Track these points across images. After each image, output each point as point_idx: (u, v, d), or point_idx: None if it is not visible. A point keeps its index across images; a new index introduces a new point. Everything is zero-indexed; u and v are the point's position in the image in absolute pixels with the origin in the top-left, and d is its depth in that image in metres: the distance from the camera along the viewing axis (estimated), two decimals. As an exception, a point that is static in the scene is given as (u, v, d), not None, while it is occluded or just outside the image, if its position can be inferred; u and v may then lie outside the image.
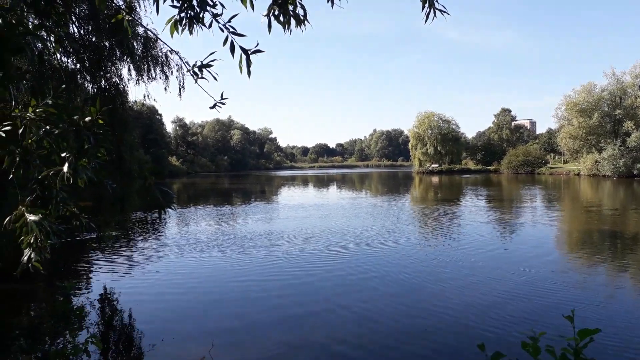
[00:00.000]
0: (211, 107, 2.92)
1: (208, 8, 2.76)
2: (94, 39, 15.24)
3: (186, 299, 12.44)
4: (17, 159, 2.48)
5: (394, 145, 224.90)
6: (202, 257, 17.44)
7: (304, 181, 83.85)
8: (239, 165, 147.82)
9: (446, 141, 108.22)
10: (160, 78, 17.06)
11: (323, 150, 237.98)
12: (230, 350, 8.93)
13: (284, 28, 3.12)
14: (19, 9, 2.24)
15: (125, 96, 17.03)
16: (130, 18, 2.83)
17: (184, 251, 18.65)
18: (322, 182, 79.56)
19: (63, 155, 2.41)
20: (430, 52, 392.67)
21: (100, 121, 2.46)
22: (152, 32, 16.67)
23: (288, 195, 51.86)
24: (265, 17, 3.05)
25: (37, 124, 2.47)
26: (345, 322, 10.29)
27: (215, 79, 2.86)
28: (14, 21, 2.06)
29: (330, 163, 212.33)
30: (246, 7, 2.87)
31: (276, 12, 3.07)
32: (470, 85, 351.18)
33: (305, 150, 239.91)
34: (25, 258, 2.57)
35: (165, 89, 17.31)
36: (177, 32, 2.85)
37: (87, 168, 2.38)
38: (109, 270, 15.71)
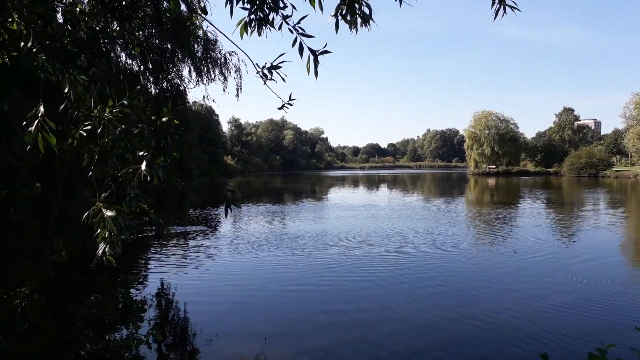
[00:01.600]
0: (279, 108, 2.96)
1: (278, 10, 2.79)
2: (157, 42, 15.86)
3: (239, 296, 12.68)
4: (96, 157, 2.62)
5: (448, 145, 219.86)
6: (255, 256, 17.75)
7: (354, 181, 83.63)
8: (290, 165, 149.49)
9: (504, 141, 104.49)
10: (219, 79, 17.55)
11: (374, 150, 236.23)
12: (282, 348, 9.03)
13: (350, 27, 3.11)
14: (102, 16, 2.37)
15: (185, 97, 17.66)
16: (201, 20, 2.91)
17: (237, 249, 19.06)
18: (372, 183, 79.04)
19: (141, 153, 2.52)
20: (487, 50, 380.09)
21: (176, 121, 2.54)
22: (211, 34, 17.21)
23: (338, 196, 51.90)
24: (333, 17, 3.05)
25: (114, 123, 2.59)
26: (397, 329, 10.14)
27: (283, 80, 2.90)
28: (97, 28, 2.18)
29: (381, 163, 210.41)
30: (314, 8, 2.88)
31: (343, 12, 3.06)
32: (530, 84, 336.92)
33: (356, 150, 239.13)
34: (100, 252, 2.70)
35: (224, 90, 17.81)
36: (247, 33, 2.91)
37: (162, 166, 2.47)
38: (165, 266, 16.31)
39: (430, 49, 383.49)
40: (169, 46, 16.33)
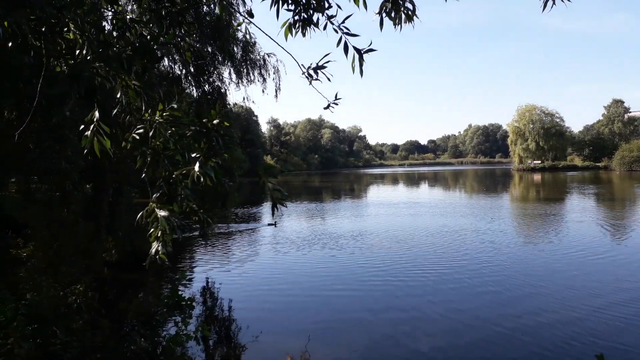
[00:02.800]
0: (325, 108, 2.97)
1: (324, 10, 2.81)
2: (197, 45, 16.22)
3: (282, 295, 12.80)
4: (148, 159, 2.71)
5: (491, 140, 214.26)
6: (297, 255, 17.87)
7: (394, 179, 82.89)
8: (328, 164, 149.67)
9: (549, 136, 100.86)
10: (258, 81, 17.80)
11: (414, 147, 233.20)
12: (326, 345, 9.07)
13: (394, 24, 3.09)
14: (153, 23, 2.46)
15: (226, 99, 17.99)
16: (240, 22, 2.96)
17: (279, 248, 19.25)
18: (412, 180, 78.11)
19: (193, 155, 2.60)
20: (530, 42, 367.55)
21: (226, 123, 2.61)
22: (250, 36, 17.47)
23: (378, 194, 51.57)
24: (377, 14, 3.04)
25: (164, 126, 2.68)
26: (442, 330, 9.99)
27: (329, 80, 2.91)
28: (147, 34, 2.26)
29: (421, 160, 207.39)
30: (358, 7, 2.88)
31: (388, 9, 3.05)
32: (576, 76, 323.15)
33: (395, 148, 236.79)
34: (153, 250, 2.80)
35: (263, 91, 18.05)
36: (292, 34, 2.94)
37: (214, 168, 2.54)
38: (209, 264, 16.68)
39: (471, 42, 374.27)
40: (209, 49, 16.67)
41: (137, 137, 2.65)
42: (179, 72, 16.95)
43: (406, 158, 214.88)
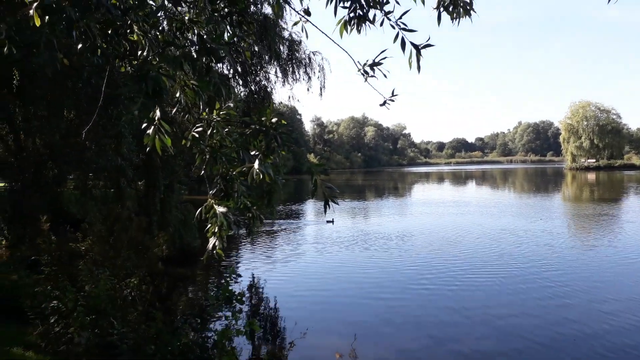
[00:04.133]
0: (381, 105, 2.94)
1: (382, 7, 2.79)
2: (243, 44, 16.45)
3: (327, 294, 12.81)
4: (207, 156, 2.78)
5: (542, 138, 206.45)
6: (342, 254, 17.86)
7: (439, 178, 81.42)
8: (372, 162, 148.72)
9: (604, 133, 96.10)
10: (303, 79, 17.93)
11: (460, 145, 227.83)
12: (372, 344, 9.03)
13: (451, 19, 3.03)
14: (214, 23, 2.51)
15: (271, 98, 18.23)
16: (305, 22, 2.97)
17: (324, 247, 19.31)
18: (459, 179, 76.44)
19: (252, 153, 2.65)
20: (584, 36, 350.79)
21: (283, 121, 2.64)
22: (296, 35, 17.59)
23: (423, 193, 50.80)
24: (435, 9, 2.99)
25: (221, 125, 2.74)
26: (491, 333, 9.73)
27: (385, 76, 2.89)
28: (204, 34, 2.32)
29: (468, 159, 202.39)
30: (415, 2, 2.84)
31: (446, 4, 2.99)
32: (633, 70, 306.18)
33: (441, 146, 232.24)
34: (210, 245, 2.87)
35: (308, 90, 18.18)
36: (347, 32, 2.93)
37: (271, 165, 2.58)
38: (255, 260, 16.94)
39: (520, 37, 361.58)
40: (256, 49, 16.91)
41: (196, 135, 2.73)
42: (227, 72, 17.30)
43: (452, 156, 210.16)
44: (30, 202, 15.56)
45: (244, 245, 19.87)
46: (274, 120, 2.62)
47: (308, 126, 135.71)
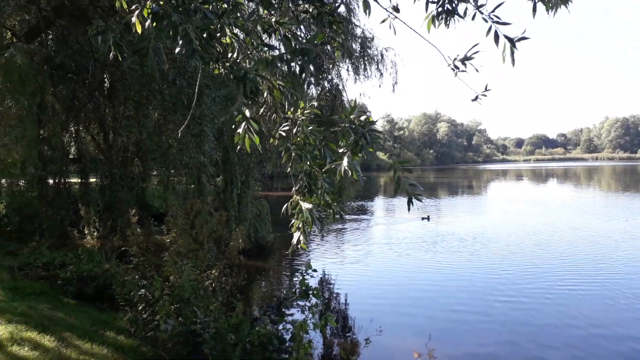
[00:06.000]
0: (473, 100, 2.88)
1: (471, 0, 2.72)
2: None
3: (398, 292, 12.66)
4: (293, 154, 2.86)
5: (632, 134, 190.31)
6: (417, 253, 17.59)
7: (517, 175, 77.66)
8: (444, 159, 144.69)
9: None
10: (375, 76, 17.84)
11: (541, 141, 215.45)
12: (447, 345, 8.83)
13: (547, 9, 2.88)
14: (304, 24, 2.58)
15: (342, 95, 18.31)
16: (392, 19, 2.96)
17: (395, 245, 19.10)
18: (539, 177, 72.49)
19: (340, 150, 2.69)
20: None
21: (371, 119, 2.65)
22: (368, 32, 17.53)
23: (501, 191, 48.70)
24: (530, 0, 2.86)
25: (305, 123, 2.80)
26: (580, 343, 9.17)
27: (477, 71, 2.82)
28: (290, 35, 2.39)
29: (549, 155, 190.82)
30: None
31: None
32: None
33: (519, 142, 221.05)
34: (295, 240, 2.96)
35: (380, 86, 18.07)
36: (434, 26, 2.89)
37: (358, 163, 2.61)
38: (326, 256, 17.10)
39: (611, 24, 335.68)
40: (328, 47, 17.01)
41: (283, 134, 2.81)
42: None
43: (532, 153, 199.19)
44: (118, 197, 16.78)
45: (315, 240, 20.13)
46: (362, 117, 2.64)
47: (378, 123, 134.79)
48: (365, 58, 17.96)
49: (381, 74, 18.10)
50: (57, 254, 11.38)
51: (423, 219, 24.89)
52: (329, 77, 17.35)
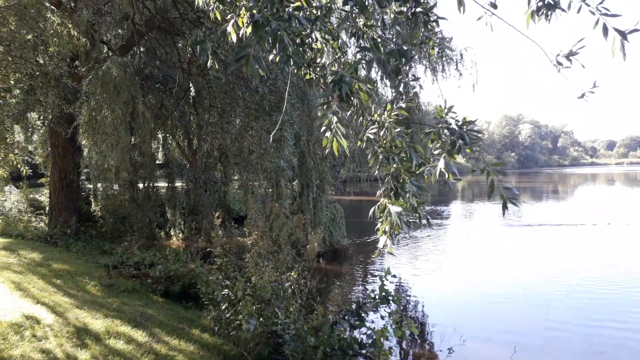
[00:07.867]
0: (579, 97, 2.71)
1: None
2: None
3: (479, 302, 12.15)
4: (380, 156, 2.85)
5: None
6: (500, 260, 16.83)
7: (609, 180, 71.92)
8: (527, 162, 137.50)
9: None
10: (454, 76, 17.39)
11: (635, 143, 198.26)
12: (533, 357, 8.35)
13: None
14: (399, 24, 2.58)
15: (419, 97, 18.02)
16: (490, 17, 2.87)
17: (473, 252, 18.40)
18: (634, 182, 66.68)
19: (435, 152, 2.65)
20: None
21: (467, 119, 2.58)
22: (447, 31, 17.10)
23: (591, 198, 45.33)
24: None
25: (392, 125, 2.78)
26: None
27: (583, 67, 2.65)
28: (377, 38, 2.38)
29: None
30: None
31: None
32: None
33: (610, 144, 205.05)
34: (381, 244, 2.93)
35: (459, 87, 17.59)
36: (533, 21, 2.76)
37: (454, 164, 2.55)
38: (405, 261, 16.79)
39: None
40: (404, 47, 16.81)
41: (371, 137, 2.80)
42: (375, 74, 17.52)
43: (625, 156, 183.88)
44: (202, 200, 17.64)
45: (395, 244, 19.86)
46: (461, 118, 2.57)
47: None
48: (444, 58, 17.57)
49: (460, 74, 17.63)
50: (146, 253, 12.10)
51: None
52: (405, 79, 17.13)
